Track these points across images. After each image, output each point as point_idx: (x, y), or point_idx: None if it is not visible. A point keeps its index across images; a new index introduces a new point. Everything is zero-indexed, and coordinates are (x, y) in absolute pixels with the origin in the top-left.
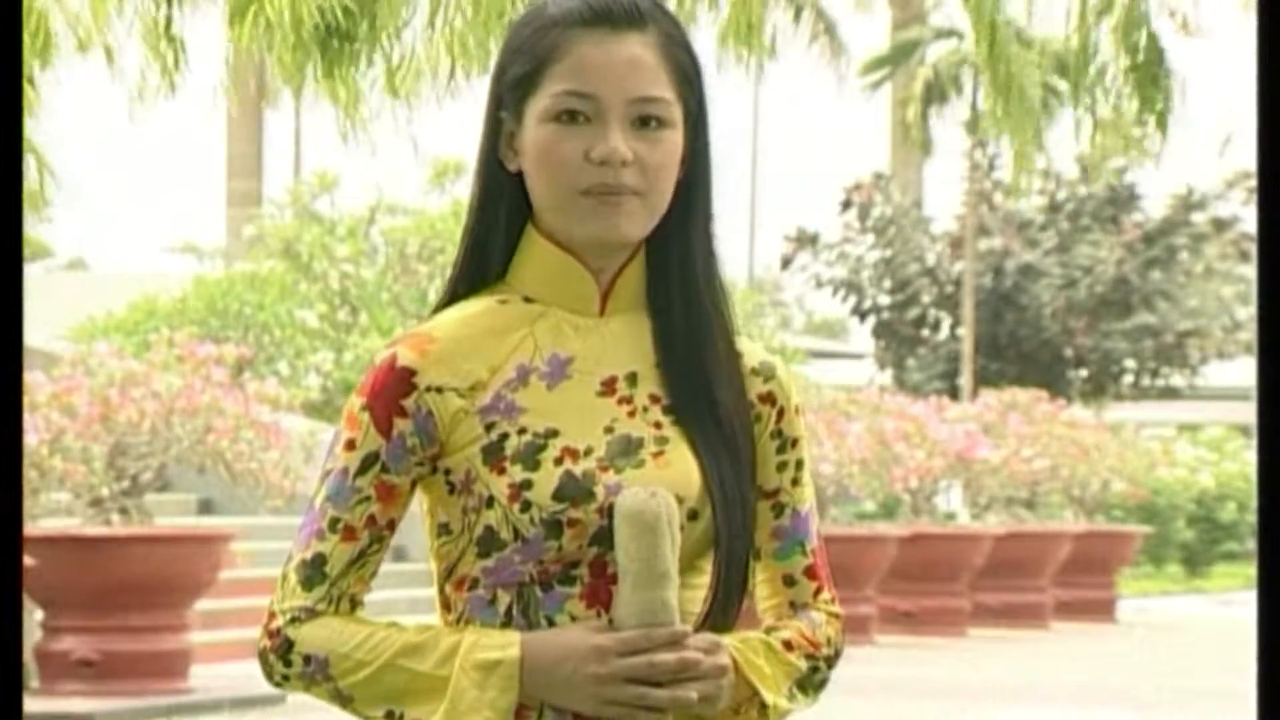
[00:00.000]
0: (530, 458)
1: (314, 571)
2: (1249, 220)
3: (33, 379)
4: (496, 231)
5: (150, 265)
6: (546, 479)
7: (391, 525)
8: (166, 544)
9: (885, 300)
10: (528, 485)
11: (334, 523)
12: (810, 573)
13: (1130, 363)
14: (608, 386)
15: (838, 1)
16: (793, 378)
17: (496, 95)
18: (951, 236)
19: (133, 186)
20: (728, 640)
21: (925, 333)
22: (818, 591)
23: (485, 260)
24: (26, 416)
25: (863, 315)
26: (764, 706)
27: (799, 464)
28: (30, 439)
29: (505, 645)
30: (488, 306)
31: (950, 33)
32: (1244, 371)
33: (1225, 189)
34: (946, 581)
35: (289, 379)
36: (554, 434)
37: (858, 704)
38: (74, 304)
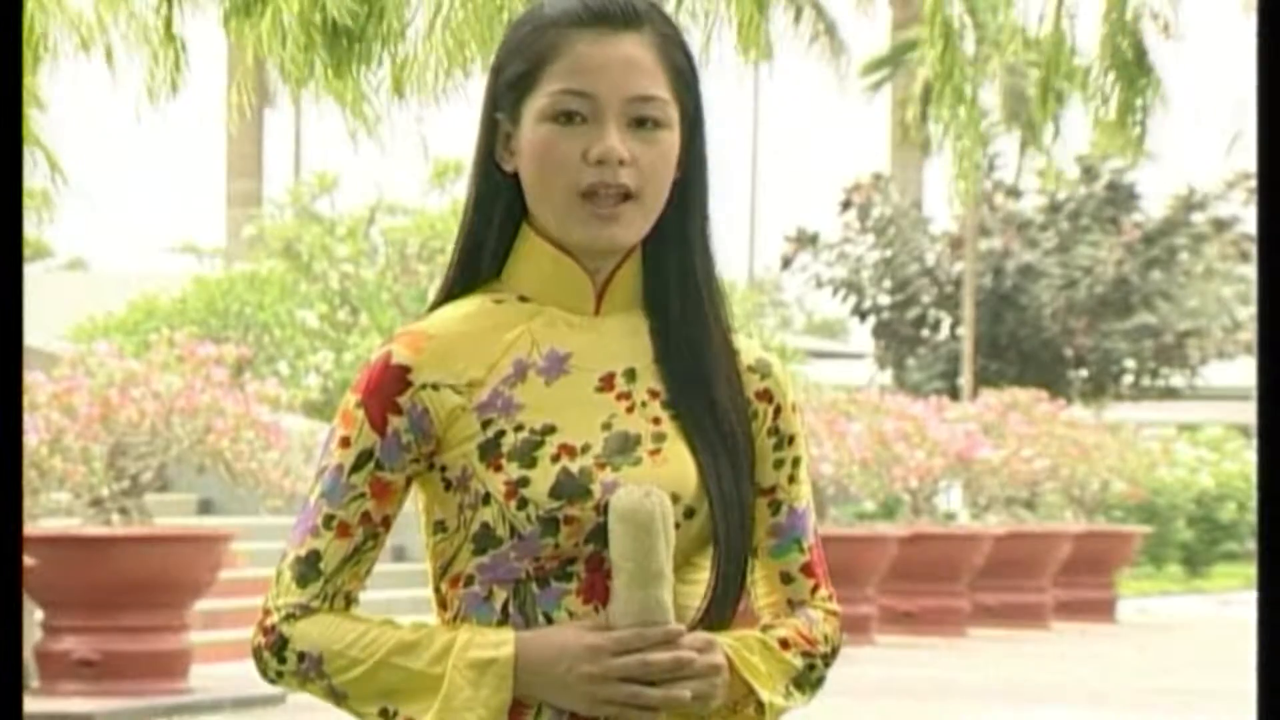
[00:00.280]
0: (527, 455)
1: (308, 568)
2: (1249, 220)
3: (33, 379)
4: (492, 231)
5: (150, 265)
6: (543, 476)
7: (386, 522)
8: (166, 544)
9: (885, 300)
10: (524, 482)
11: (329, 520)
12: (807, 570)
13: (1130, 363)
14: (606, 382)
15: (838, 1)
16: (789, 375)
17: (492, 96)
18: (951, 236)
19: (133, 186)
20: (723, 639)
21: (925, 333)
22: (815, 589)
23: (481, 260)
24: (26, 416)
25: (863, 315)
26: (760, 705)
27: (796, 461)
28: (30, 439)
29: (499, 644)
30: (483, 305)
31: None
32: (1244, 371)
33: (1225, 189)
34: (946, 581)
35: (289, 379)
36: (552, 430)
37: (857, 704)
38: (74, 304)
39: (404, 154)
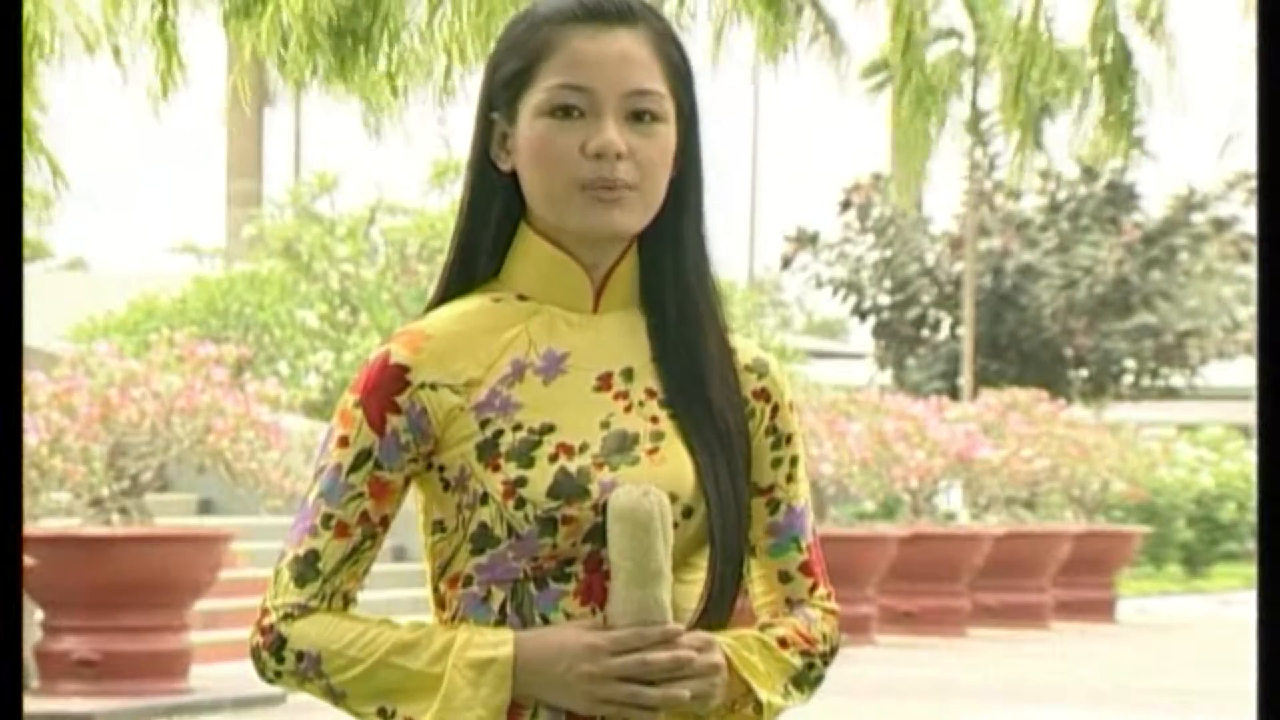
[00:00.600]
0: (525, 454)
1: (307, 568)
2: (1249, 220)
3: (33, 379)
4: (489, 230)
5: (150, 265)
6: (541, 476)
7: (385, 522)
8: (166, 544)
9: (885, 300)
10: (522, 482)
11: (327, 519)
12: (805, 569)
13: (1130, 363)
14: (604, 381)
15: (838, 1)
16: (786, 374)
17: (488, 95)
18: (951, 236)
19: (133, 186)
20: (722, 638)
21: (925, 333)
22: (813, 588)
23: (478, 259)
24: (26, 416)
25: (863, 315)
26: (759, 704)
27: (793, 460)
28: (30, 439)
29: (498, 643)
30: (481, 305)
31: (950, 33)
32: (1244, 371)
33: (1225, 189)
34: (946, 581)
35: (289, 379)
36: (550, 429)
37: (857, 704)
38: (74, 304)
39: (408, 153)
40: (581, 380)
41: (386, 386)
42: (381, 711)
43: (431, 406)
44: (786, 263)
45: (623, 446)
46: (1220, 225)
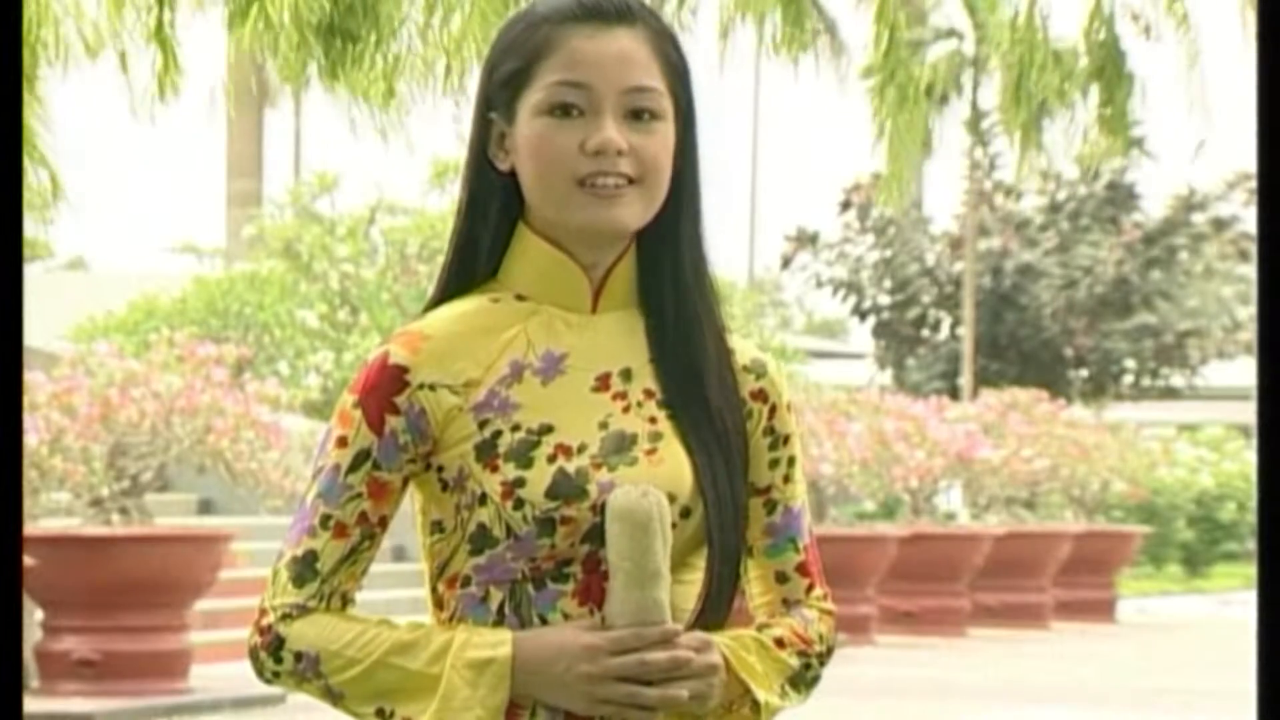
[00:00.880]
0: (523, 455)
1: (305, 568)
2: (1249, 220)
3: (33, 379)
4: (487, 230)
5: (150, 265)
6: (539, 476)
7: (383, 522)
8: (166, 544)
9: (885, 300)
10: (521, 483)
11: (325, 519)
12: (802, 569)
13: (1130, 363)
14: (602, 382)
15: (838, 1)
16: (784, 375)
17: (486, 95)
18: (951, 236)
19: (133, 186)
20: (719, 638)
21: (925, 333)
22: (810, 588)
23: (476, 259)
24: (26, 416)
25: (863, 315)
26: (756, 704)
27: (791, 461)
28: (30, 439)
29: (497, 644)
30: (480, 305)
31: (950, 33)
32: (1244, 371)
33: (1225, 189)
34: (946, 581)
35: (289, 379)
36: (548, 430)
37: (857, 704)
38: (74, 304)
39: (408, 153)
40: (580, 381)
41: (385, 387)
42: (380, 712)
43: (430, 407)
44: (786, 263)
45: (621, 447)
46: (1220, 225)
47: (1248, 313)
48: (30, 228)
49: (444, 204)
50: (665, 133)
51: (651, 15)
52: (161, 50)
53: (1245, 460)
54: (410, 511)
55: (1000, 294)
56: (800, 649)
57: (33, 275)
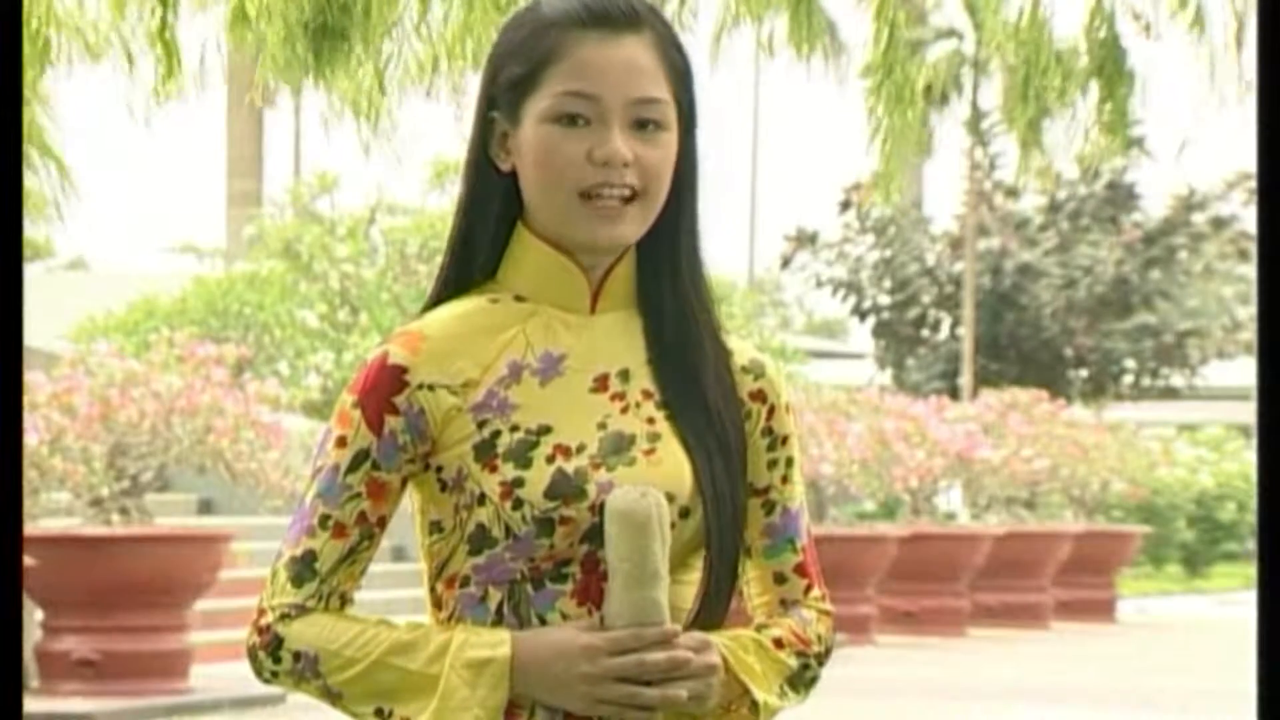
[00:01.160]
0: (522, 455)
1: (304, 568)
2: (1249, 220)
3: (33, 379)
4: (486, 230)
5: (150, 265)
6: (538, 477)
7: (382, 522)
8: (166, 544)
9: (885, 300)
10: (519, 483)
11: (324, 520)
12: (801, 570)
13: (1130, 363)
14: (600, 383)
15: (838, 1)
16: (782, 375)
17: (489, 95)
18: (951, 236)
19: (133, 186)
20: (718, 638)
21: (925, 333)
22: (808, 588)
23: (475, 259)
24: (26, 416)
25: (863, 315)
26: (755, 704)
27: (789, 461)
28: (30, 439)
29: (496, 644)
30: (479, 305)
31: (950, 33)
32: (1244, 371)
33: (1225, 189)
34: (946, 581)
35: (289, 379)
36: (547, 430)
37: (858, 704)
38: (74, 304)
39: (408, 152)
40: (578, 382)
41: (384, 387)
42: (379, 712)
43: (429, 407)
44: (786, 263)
45: (619, 448)
46: (1220, 225)
47: (1248, 313)
48: (30, 228)
49: (444, 204)
50: (668, 142)
51: (658, 19)
52: (165, 51)
53: (1245, 460)
54: (410, 511)
55: (1000, 294)
56: (799, 649)
57: (33, 275)
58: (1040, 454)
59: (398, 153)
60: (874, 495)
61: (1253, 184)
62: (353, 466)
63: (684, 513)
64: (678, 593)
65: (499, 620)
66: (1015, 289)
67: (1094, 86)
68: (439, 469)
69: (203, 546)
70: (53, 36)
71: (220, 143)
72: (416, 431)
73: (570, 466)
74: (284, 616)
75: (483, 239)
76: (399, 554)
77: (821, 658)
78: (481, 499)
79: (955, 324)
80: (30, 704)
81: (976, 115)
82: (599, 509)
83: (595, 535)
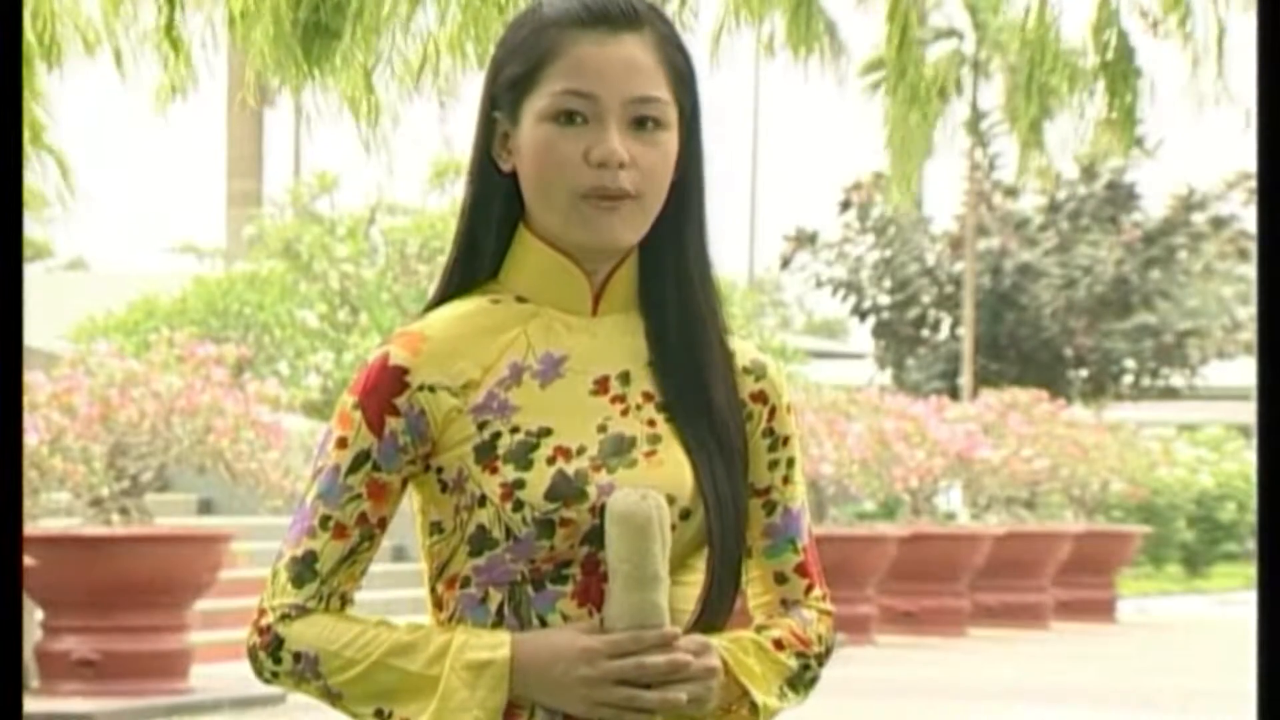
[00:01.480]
0: (523, 457)
1: (304, 569)
2: (1249, 220)
3: (33, 379)
4: (490, 231)
5: (150, 265)
6: (539, 478)
7: (383, 523)
8: (166, 544)
9: (885, 300)
10: (520, 485)
11: (325, 520)
12: (801, 570)
13: (1130, 363)
14: (600, 385)
15: (838, 1)
16: (783, 376)
17: (491, 95)
18: (951, 236)
19: (133, 186)
20: (718, 640)
21: (925, 333)
22: (809, 589)
23: (478, 260)
24: (26, 416)
25: (863, 315)
26: (755, 706)
27: (790, 462)
28: (30, 439)
29: (496, 646)
30: (480, 306)
31: (950, 33)
32: (1244, 371)
33: (1225, 189)
34: (946, 581)
35: (289, 379)
36: (547, 432)
37: (858, 704)
38: (74, 304)
39: (408, 152)
40: (578, 384)
41: (385, 388)
42: (378, 713)
43: (430, 408)
44: (786, 263)
45: (620, 449)
46: (1220, 225)
47: (1248, 313)
48: (30, 227)
49: (444, 204)
50: (668, 142)
51: (659, 19)
52: (174, 50)
53: (1245, 460)
54: (410, 511)
55: (1000, 294)
56: (799, 650)
57: (33, 275)
58: (1040, 454)
59: (391, 155)
60: (874, 495)
61: (1253, 184)
62: (353, 467)
63: (685, 514)
64: (678, 594)
65: (499, 621)
66: (1015, 289)
67: (1100, 86)
68: (439, 470)
69: (203, 546)
70: (51, 34)
71: (220, 143)
72: (417, 433)
73: (571, 468)
74: (284, 617)
75: (486, 240)
76: (399, 554)
77: (822, 658)
78: (482, 500)
79: (955, 324)
80: (30, 704)
81: (976, 115)
82: (599, 511)
83: (596, 537)
